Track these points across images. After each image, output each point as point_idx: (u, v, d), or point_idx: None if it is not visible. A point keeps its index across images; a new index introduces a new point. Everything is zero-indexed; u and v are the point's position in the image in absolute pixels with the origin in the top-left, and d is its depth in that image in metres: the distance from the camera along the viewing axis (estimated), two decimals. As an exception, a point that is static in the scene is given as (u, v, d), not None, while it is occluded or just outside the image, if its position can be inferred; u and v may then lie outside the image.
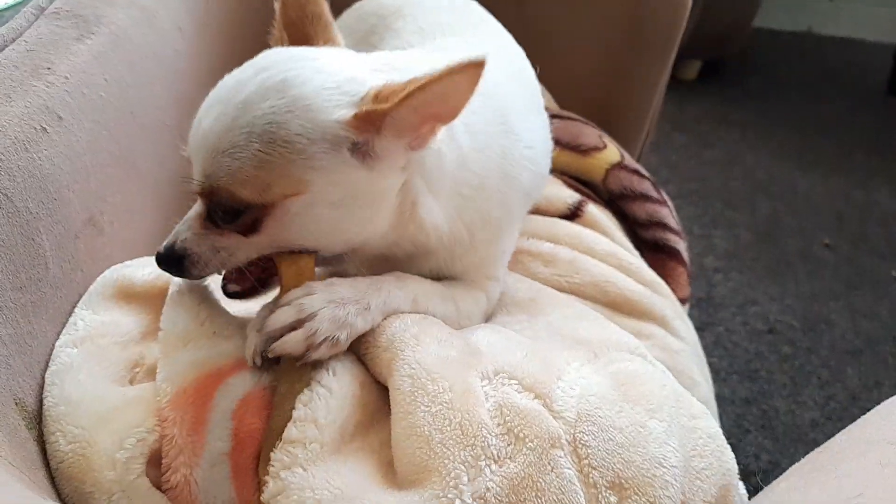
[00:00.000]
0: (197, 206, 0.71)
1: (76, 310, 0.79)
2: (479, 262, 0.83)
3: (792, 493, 0.46)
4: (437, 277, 0.81)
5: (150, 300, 0.80)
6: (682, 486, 0.64)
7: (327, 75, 0.67)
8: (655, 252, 1.25)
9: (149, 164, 1.02)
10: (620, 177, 1.29)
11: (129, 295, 0.80)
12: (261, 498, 0.59)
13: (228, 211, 0.67)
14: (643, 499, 0.61)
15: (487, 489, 0.57)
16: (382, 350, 0.68)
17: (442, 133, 0.68)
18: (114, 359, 0.73)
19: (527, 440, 0.61)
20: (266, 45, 0.76)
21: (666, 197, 1.32)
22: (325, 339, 0.65)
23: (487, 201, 0.80)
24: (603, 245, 1.10)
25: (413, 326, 0.70)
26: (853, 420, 1.53)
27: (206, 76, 1.21)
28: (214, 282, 0.79)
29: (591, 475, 0.61)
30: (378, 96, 0.64)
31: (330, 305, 0.66)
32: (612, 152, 1.32)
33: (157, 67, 1.07)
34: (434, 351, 0.67)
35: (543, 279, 1.01)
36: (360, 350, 0.70)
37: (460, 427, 0.60)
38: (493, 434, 0.61)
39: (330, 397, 0.64)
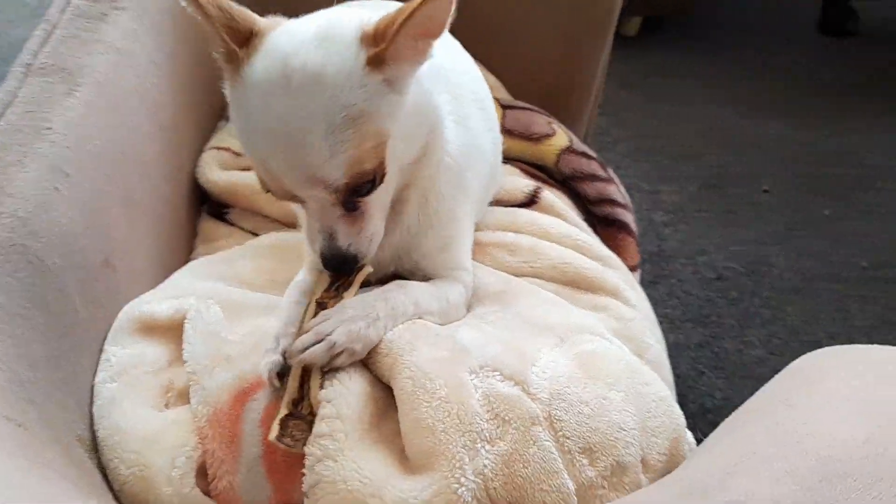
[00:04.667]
0: (332, 215, 0.81)
1: (105, 346, 0.90)
2: (444, 248, 0.97)
3: (707, 453, 0.59)
4: (416, 267, 0.96)
5: (170, 331, 0.91)
6: (641, 443, 0.79)
7: (323, 44, 0.75)
8: (607, 226, 1.38)
9: (144, 195, 1.11)
10: (570, 160, 1.42)
11: (151, 328, 0.91)
12: (302, 489, 0.71)
13: (362, 187, 0.79)
14: (609, 459, 0.75)
15: (485, 466, 0.71)
16: (383, 356, 0.81)
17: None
18: (148, 386, 0.85)
19: (511, 422, 0.74)
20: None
21: (612, 174, 1.45)
22: (343, 351, 0.77)
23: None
24: (558, 228, 1.23)
25: (406, 333, 0.82)
26: (795, 355, 1.70)
27: (182, 101, 1.30)
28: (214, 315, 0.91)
29: (565, 444, 0.75)
30: (375, 38, 0.75)
31: (345, 323, 0.79)
32: (562, 137, 1.44)
33: (140, 103, 1.15)
34: (427, 353, 0.79)
35: (509, 267, 1.13)
36: (365, 358, 0.83)
37: (458, 417, 0.73)
38: (483, 420, 0.74)
39: (349, 394, 0.77)
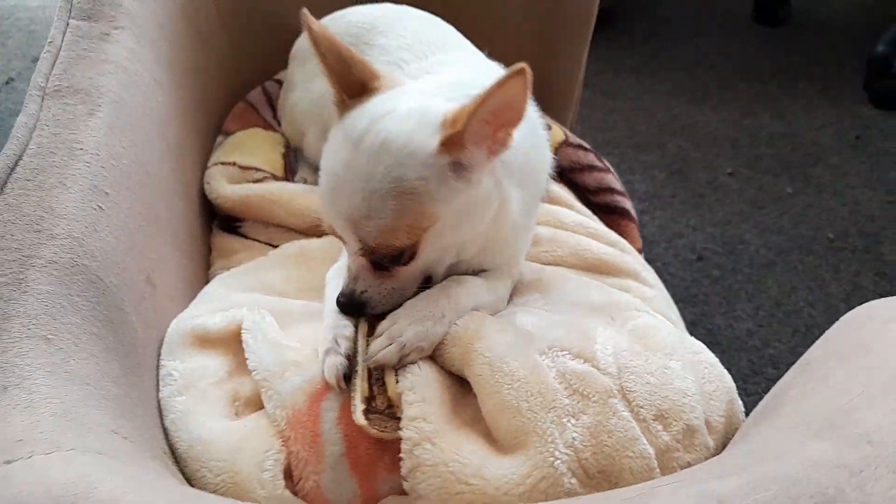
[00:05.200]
0: (359, 263, 0.84)
1: (162, 362, 0.89)
2: (509, 255, 0.99)
3: (801, 401, 0.63)
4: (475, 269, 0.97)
5: (225, 343, 0.91)
6: (703, 407, 0.83)
7: (408, 119, 0.79)
8: (608, 214, 1.43)
9: (165, 212, 1.10)
10: (568, 153, 1.47)
11: (206, 341, 0.91)
12: (401, 473, 0.73)
13: (391, 258, 0.82)
14: (680, 423, 0.79)
15: (574, 438, 0.74)
16: (451, 346, 0.83)
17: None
18: (216, 397, 0.85)
19: (590, 396, 0.78)
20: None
21: (608, 164, 1.50)
22: (413, 350, 0.80)
23: (534, 186, 0.99)
24: (571, 217, 1.28)
25: (471, 323, 0.85)
26: (781, 324, 1.79)
27: (183, 118, 1.30)
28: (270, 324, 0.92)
29: (640, 413, 0.79)
30: (453, 121, 0.78)
31: (413, 325, 0.81)
32: (557, 133, 1.49)
33: (151, 123, 1.14)
34: (497, 339, 0.82)
35: (533, 257, 1.17)
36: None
37: (540, 395, 0.76)
38: (564, 396, 0.77)
39: (426, 380, 0.80)
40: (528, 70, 0.72)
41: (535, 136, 0.99)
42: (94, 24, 1.17)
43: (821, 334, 0.78)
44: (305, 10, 0.85)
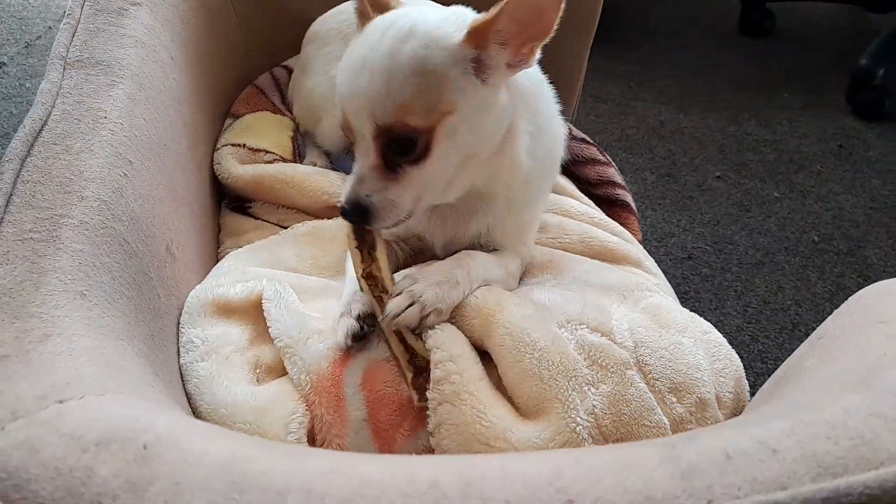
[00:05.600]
0: (369, 160, 0.84)
1: (183, 330, 0.90)
2: (518, 229, 1.01)
3: (822, 367, 0.66)
4: (482, 245, 1.00)
5: (246, 312, 0.92)
6: (713, 384, 0.86)
7: (435, 16, 0.83)
8: (609, 206, 1.46)
9: (181, 187, 1.11)
10: (571, 146, 1.49)
11: (228, 310, 0.92)
12: (428, 429, 0.75)
13: (403, 143, 0.81)
14: (693, 396, 0.82)
15: (594, 406, 0.76)
16: (471, 319, 0.85)
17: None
18: (238, 364, 0.86)
19: (608, 367, 0.80)
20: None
21: (609, 158, 1.54)
22: (431, 311, 0.82)
23: (547, 144, 1.01)
24: (576, 207, 1.31)
25: (490, 295, 0.87)
26: (768, 321, 1.83)
27: (196, 97, 1.30)
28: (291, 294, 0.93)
29: (655, 385, 0.81)
30: (481, 21, 0.80)
31: (431, 287, 0.82)
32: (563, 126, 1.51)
33: (168, 98, 1.15)
34: (517, 312, 0.84)
35: (541, 243, 1.19)
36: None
37: (561, 364, 0.78)
38: (583, 366, 0.80)
39: (453, 335, 0.82)
40: None
41: (548, 103, 1.03)
42: (110, -1, 1.17)
43: (807, 331, 0.81)
44: None
